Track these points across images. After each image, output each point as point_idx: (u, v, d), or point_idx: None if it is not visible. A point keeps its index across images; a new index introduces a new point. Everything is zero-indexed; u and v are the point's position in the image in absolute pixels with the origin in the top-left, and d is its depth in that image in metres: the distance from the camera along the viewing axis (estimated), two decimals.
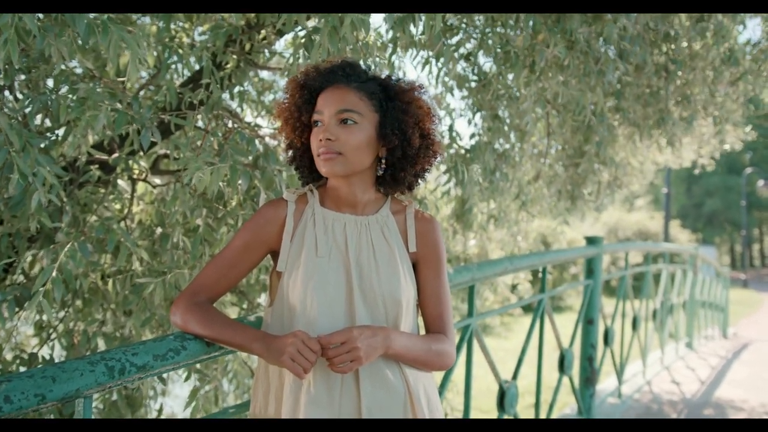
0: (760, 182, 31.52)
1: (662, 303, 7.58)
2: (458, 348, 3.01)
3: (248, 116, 4.22)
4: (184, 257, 2.64)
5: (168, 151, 3.19)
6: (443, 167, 3.75)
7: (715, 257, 33.20)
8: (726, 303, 12.03)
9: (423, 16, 2.61)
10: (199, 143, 2.54)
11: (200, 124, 2.91)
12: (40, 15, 2.16)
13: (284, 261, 1.67)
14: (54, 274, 2.08)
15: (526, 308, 15.75)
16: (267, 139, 3.38)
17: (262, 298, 3.66)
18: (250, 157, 2.53)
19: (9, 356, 2.96)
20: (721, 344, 10.20)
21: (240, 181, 2.18)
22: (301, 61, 2.49)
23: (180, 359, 1.63)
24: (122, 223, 2.86)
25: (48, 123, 2.72)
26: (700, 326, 9.75)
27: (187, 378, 2.71)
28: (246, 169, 2.27)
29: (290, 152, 1.81)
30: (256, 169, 2.45)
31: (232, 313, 3.79)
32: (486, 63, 4.00)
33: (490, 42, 3.51)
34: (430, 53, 3.30)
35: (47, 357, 2.79)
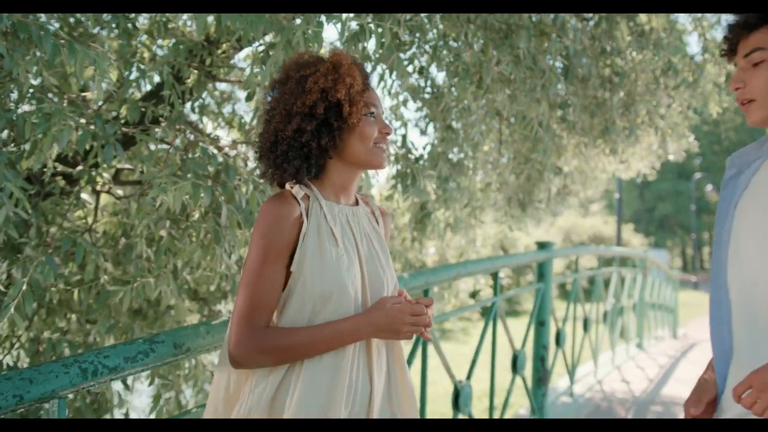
0: (709, 187, 32.51)
1: (613, 305, 7.84)
2: (413, 351, 3.15)
3: (208, 127, 4.32)
4: (148, 266, 2.73)
5: (130, 167, 3.27)
6: (394, 170, 3.88)
7: (667, 260, 34.04)
8: (675, 304, 12.41)
9: (379, 29, 2.74)
10: (161, 156, 2.64)
11: (164, 136, 3.00)
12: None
13: (302, 257, 1.62)
14: (24, 287, 2.16)
15: (485, 313, 15.87)
16: (227, 149, 3.48)
17: (222, 306, 3.74)
18: (210, 168, 2.63)
19: None
20: (671, 344, 10.53)
21: (202, 195, 2.28)
22: (257, 73, 2.60)
23: (149, 361, 1.73)
24: (87, 235, 2.93)
25: (12, 136, 2.78)
26: (650, 327, 10.06)
27: (151, 382, 2.80)
28: (208, 185, 2.36)
29: (295, 139, 1.67)
30: (217, 183, 2.55)
31: (193, 320, 3.86)
32: (439, 76, 4.17)
33: (443, 53, 3.68)
34: (384, 66, 3.44)
35: (11, 365, 2.84)
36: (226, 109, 4.90)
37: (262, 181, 2.69)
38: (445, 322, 15.55)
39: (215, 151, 2.98)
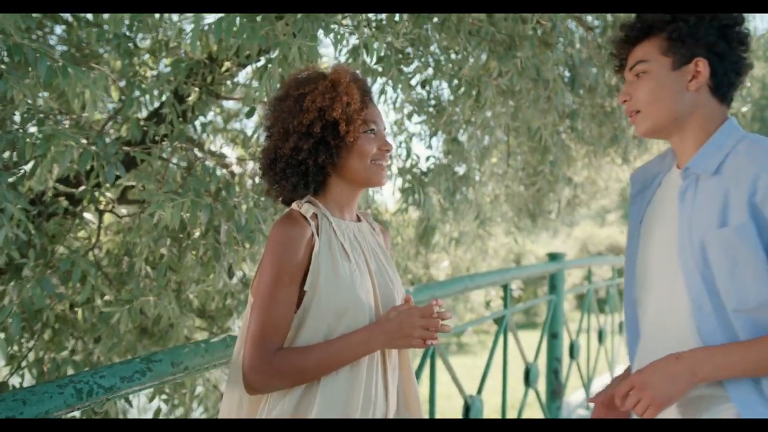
0: None
1: None
2: (421, 365, 3.12)
3: (213, 144, 4.34)
4: (150, 285, 2.73)
5: (134, 183, 3.29)
6: (399, 183, 3.88)
7: None
8: None
9: (375, 43, 2.74)
10: (162, 174, 2.64)
11: (165, 154, 3.01)
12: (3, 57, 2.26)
13: (316, 276, 1.60)
14: (15, 309, 2.17)
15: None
16: (233, 166, 3.49)
17: (231, 322, 3.74)
18: (212, 186, 2.63)
19: None
20: None
21: (200, 213, 2.27)
22: (255, 89, 2.61)
23: (146, 380, 1.71)
24: (90, 254, 2.94)
25: (15, 157, 2.80)
26: None
27: (152, 399, 2.80)
28: (207, 203, 2.36)
29: (292, 157, 1.66)
30: (218, 201, 2.54)
31: (201, 337, 3.86)
32: (442, 89, 4.16)
33: (444, 66, 3.67)
34: (385, 79, 3.44)
35: (17, 386, 2.85)
36: (235, 125, 4.93)
37: (262, 198, 2.69)
38: (461, 336, 15.47)
39: (221, 169, 2.98)
